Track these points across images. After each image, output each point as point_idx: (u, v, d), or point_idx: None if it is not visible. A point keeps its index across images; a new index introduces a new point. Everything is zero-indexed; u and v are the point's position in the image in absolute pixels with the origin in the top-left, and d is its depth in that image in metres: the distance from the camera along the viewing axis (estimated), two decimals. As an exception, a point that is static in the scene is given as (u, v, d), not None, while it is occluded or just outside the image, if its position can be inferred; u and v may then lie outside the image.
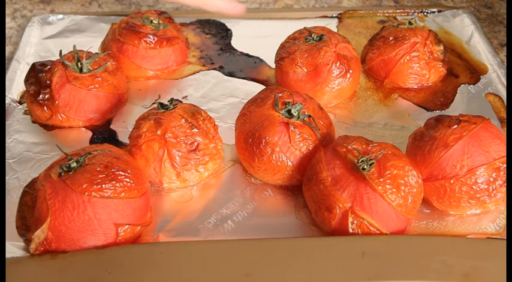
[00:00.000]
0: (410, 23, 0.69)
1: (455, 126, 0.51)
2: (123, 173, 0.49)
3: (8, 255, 0.48)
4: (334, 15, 0.83)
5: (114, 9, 0.86)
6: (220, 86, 0.70)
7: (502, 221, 0.52)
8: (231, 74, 0.72)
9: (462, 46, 0.76)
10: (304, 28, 0.67)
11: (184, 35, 0.76)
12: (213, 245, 0.49)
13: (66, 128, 0.63)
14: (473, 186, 0.50)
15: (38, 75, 0.63)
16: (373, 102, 0.67)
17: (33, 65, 0.64)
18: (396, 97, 0.68)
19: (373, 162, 0.49)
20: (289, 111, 0.54)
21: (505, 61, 0.74)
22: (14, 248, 0.49)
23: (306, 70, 0.64)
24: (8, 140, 0.61)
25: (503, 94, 0.67)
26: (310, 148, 0.54)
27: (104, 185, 0.47)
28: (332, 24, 0.80)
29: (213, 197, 0.55)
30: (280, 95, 0.56)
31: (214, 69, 0.73)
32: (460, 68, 0.72)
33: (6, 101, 0.66)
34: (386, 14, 0.83)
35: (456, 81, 0.70)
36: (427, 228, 0.52)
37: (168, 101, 0.57)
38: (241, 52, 0.76)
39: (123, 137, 0.62)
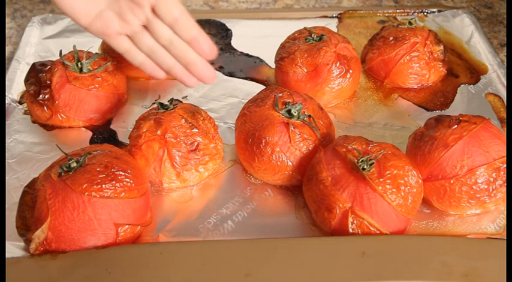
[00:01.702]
0: (410, 23, 0.69)
1: (455, 126, 0.51)
2: (123, 173, 0.49)
3: (8, 255, 0.48)
4: (334, 15, 0.83)
5: (114, 9, 0.86)
6: (220, 86, 0.70)
7: (502, 221, 0.52)
8: (231, 74, 0.72)
9: (462, 46, 0.76)
10: (304, 28, 0.67)
11: (184, 35, 0.76)
12: (213, 245, 0.49)
13: (66, 128, 0.63)
14: (473, 186, 0.50)
15: (38, 75, 0.63)
16: (373, 102, 0.67)
17: (33, 65, 0.64)
18: (396, 97, 0.68)
19: (373, 162, 0.49)
20: (289, 111, 0.54)
21: (505, 61, 0.74)
22: (14, 248, 0.49)
23: (306, 70, 0.64)
24: (8, 140, 0.61)
25: (503, 94, 0.67)
26: (310, 148, 0.54)
27: (104, 185, 0.47)
28: (332, 24, 0.80)
29: (213, 197, 0.55)
30: (280, 95, 0.56)
31: (215, 69, 0.73)
32: (460, 68, 0.72)
33: (6, 101, 0.66)
34: (386, 14, 0.83)
35: (456, 81, 0.70)
36: (427, 228, 0.52)
37: (168, 101, 0.57)
38: (241, 52, 0.76)
39: (123, 137, 0.62)
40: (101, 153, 0.50)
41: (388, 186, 0.48)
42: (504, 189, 0.51)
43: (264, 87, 0.64)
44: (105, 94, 0.63)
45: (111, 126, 0.64)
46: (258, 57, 0.75)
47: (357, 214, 0.48)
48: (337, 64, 0.63)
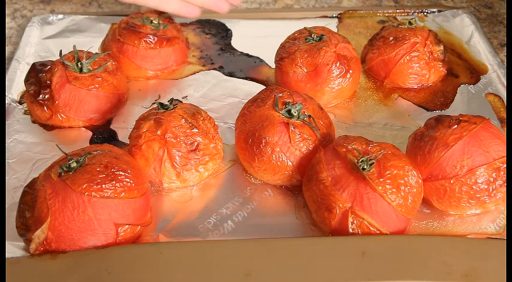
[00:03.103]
0: (410, 23, 0.69)
1: (455, 126, 0.51)
2: (123, 173, 0.49)
3: (8, 255, 0.48)
4: (334, 15, 0.83)
5: (114, 9, 0.86)
6: (220, 86, 0.70)
7: (502, 221, 0.52)
8: (231, 74, 0.72)
9: (462, 46, 0.76)
10: (304, 28, 0.67)
11: (184, 35, 0.76)
12: (213, 245, 0.49)
13: (66, 128, 0.63)
14: (473, 186, 0.50)
15: (38, 75, 0.63)
16: (373, 102, 0.67)
17: (33, 65, 0.64)
18: (396, 97, 0.68)
19: (373, 162, 0.49)
20: (289, 111, 0.54)
21: (505, 61, 0.74)
22: (14, 248, 0.49)
23: (306, 70, 0.64)
24: (8, 140, 0.61)
25: (503, 94, 0.67)
26: (310, 148, 0.54)
27: (104, 185, 0.47)
28: (332, 24, 0.80)
29: (213, 197, 0.55)
30: (280, 95, 0.56)
31: (214, 69, 0.73)
32: (460, 68, 0.72)
33: (6, 101, 0.66)
34: (386, 14, 0.83)
35: (456, 81, 0.70)
36: (427, 228, 0.52)
37: (168, 101, 0.57)
38: (241, 52, 0.76)
39: (123, 137, 0.62)
40: (101, 153, 0.50)
41: (388, 186, 0.48)
42: (504, 189, 0.51)
43: (264, 87, 0.64)
44: (105, 94, 0.63)
45: (111, 126, 0.64)
46: (258, 57, 0.75)
47: (357, 214, 0.48)
48: (337, 64, 0.63)
